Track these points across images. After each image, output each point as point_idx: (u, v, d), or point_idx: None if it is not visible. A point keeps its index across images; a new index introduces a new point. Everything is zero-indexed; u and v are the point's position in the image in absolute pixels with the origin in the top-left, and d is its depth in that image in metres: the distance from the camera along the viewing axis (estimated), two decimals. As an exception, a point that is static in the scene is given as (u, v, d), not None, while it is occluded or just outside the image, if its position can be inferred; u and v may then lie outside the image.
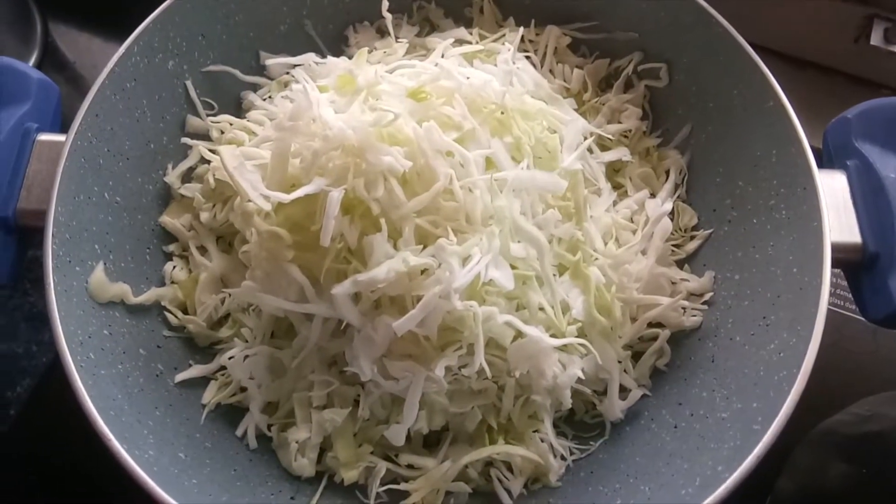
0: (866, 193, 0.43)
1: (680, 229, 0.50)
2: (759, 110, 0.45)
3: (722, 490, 0.35)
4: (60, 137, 0.43)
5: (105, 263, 0.43)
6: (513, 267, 0.41)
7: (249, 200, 0.40)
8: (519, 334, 0.41)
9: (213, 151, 0.47)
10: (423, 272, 0.39)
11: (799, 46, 0.69)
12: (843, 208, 0.43)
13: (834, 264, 0.40)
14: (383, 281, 0.38)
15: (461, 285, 0.38)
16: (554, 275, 0.43)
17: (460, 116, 0.42)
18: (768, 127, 0.45)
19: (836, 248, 0.41)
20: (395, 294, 0.40)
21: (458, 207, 0.40)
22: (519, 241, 0.41)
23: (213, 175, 0.46)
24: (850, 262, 0.42)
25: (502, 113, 0.43)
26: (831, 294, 0.59)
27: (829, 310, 0.57)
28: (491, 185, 0.41)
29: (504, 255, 0.40)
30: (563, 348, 0.42)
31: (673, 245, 0.49)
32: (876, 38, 0.65)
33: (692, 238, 0.50)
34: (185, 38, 0.48)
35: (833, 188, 0.43)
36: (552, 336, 0.41)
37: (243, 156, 0.40)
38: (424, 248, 0.39)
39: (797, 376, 0.37)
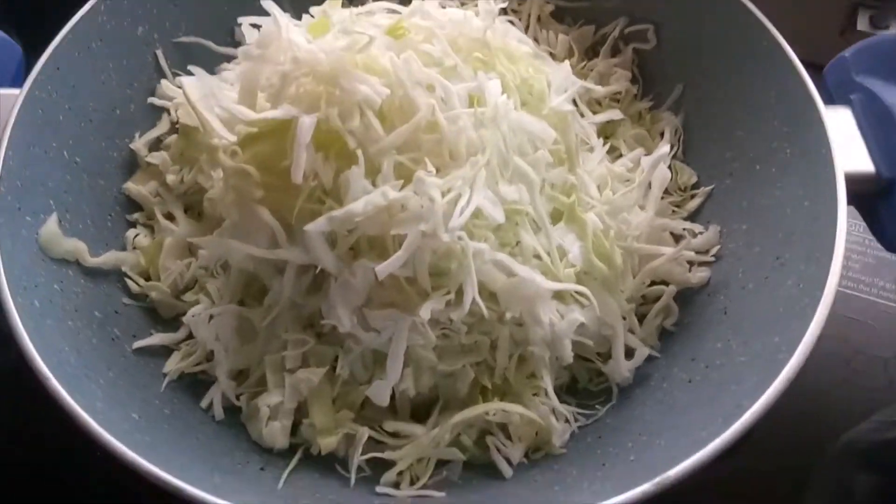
0: (874, 123, 0.40)
1: (679, 189, 0.47)
2: (752, 53, 0.44)
3: (748, 415, 0.30)
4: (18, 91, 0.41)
5: (61, 221, 0.40)
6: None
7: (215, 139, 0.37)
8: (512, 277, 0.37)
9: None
10: (403, 209, 0.36)
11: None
12: (852, 140, 0.40)
13: (848, 199, 0.38)
14: (361, 215, 0.35)
15: (457, 226, 0.35)
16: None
17: (441, 53, 0.39)
18: (764, 68, 0.43)
19: (850, 180, 0.38)
20: (374, 234, 0.36)
21: (441, 140, 0.37)
22: (507, 177, 0.38)
23: (176, 111, 0.43)
24: (865, 194, 0.40)
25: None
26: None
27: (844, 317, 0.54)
28: (475, 119, 0.38)
29: (491, 189, 0.37)
30: (560, 297, 0.39)
31: (673, 205, 0.47)
32: (862, 24, 0.64)
33: (692, 197, 0.47)
34: (156, 4, 0.47)
35: (838, 122, 0.41)
36: (549, 282, 0.38)
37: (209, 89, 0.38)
38: (405, 185, 0.36)
39: (821, 299, 0.33)
